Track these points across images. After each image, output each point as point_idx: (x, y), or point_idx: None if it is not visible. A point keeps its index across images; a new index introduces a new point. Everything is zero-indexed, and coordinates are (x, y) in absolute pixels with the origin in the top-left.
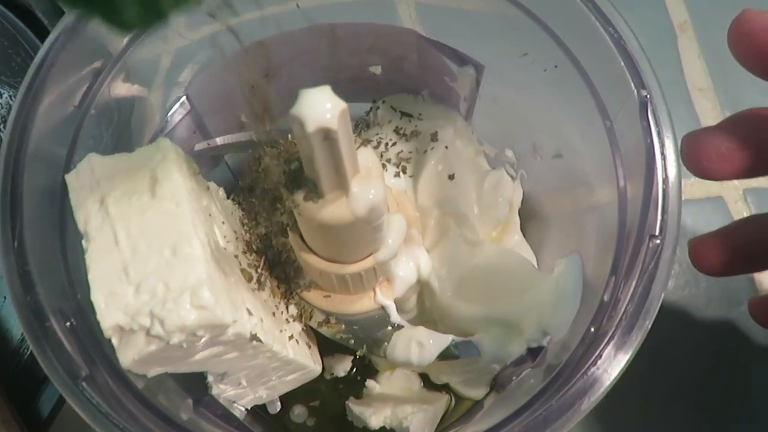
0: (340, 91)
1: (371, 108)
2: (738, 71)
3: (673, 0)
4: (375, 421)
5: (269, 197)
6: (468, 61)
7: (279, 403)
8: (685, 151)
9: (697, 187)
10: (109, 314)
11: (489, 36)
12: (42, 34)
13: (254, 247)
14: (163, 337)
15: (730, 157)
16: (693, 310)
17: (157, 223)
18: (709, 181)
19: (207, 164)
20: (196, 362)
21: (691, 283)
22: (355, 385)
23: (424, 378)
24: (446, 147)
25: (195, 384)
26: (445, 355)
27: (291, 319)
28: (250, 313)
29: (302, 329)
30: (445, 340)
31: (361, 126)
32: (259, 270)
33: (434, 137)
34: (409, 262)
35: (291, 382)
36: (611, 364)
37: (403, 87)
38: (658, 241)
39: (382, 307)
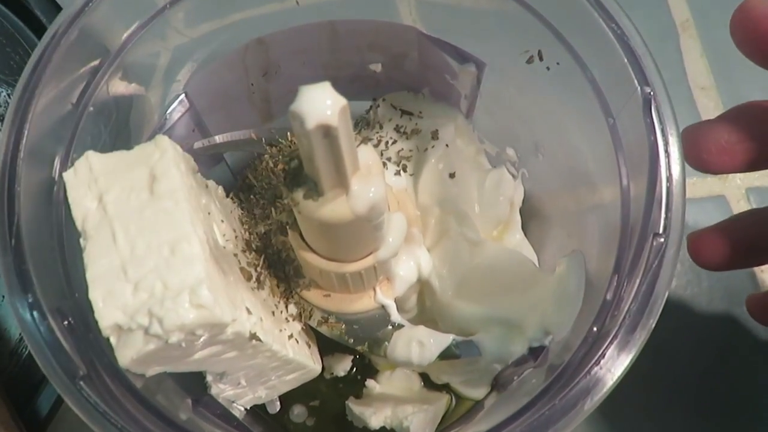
0: (340, 89)
1: (371, 106)
2: (741, 70)
3: None
4: (375, 421)
5: (269, 195)
6: (469, 58)
7: (278, 403)
8: (685, 145)
9: (699, 186)
10: (107, 313)
11: (490, 33)
12: (40, 31)
13: (253, 245)
14: (162, 336)
15: (731, 150)
16: (695, 309)
17: (155, 221)
18: (711, 177)
19: (206, 163)
20: (195, 361)
21: (693, 282)
22: (355, 384)
23: (425, 378)
24: (447, 145)
25: (194, 383)
26: (446, 355)
27: (290, 319)
28: (249, 312)
29: (302, 328)
30: (445, 339)
31: (361, 124)
32: (258, 269)
33: (435, 135)
34: (409, 261)
35: (290, 381)
36: (614, 364)
37: (404, 85)
38: (662, 240)
39: (383, 307)
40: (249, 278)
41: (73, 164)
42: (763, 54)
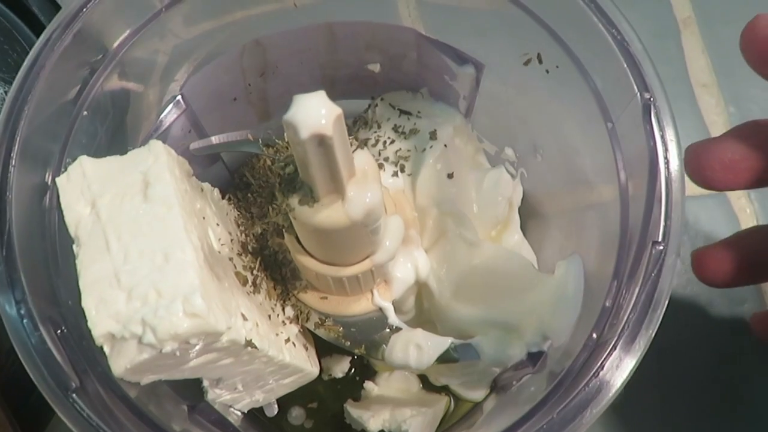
0: (338, 89)
1: (369, 105)
2: (742, 67)
3: None
4: (373, 425)
5: (266, 193)
6: (468, 60)
7: (276, 406)
8: (689, 162)
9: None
10: (100, 321)
11: (489, 35)
12: (37, 28)
13: (249, 248)
14: (156, 345)
15: (735, 168)
16: (695, 310)
17: (149, 227)
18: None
19: (203, 163)
20: (190, 369)
21: (693, 281)
22: (353, 386)
23: (423, 379)
24: (445, 145)
25: (190, 389)
26: (444, 359)
27: (287, 321)
28: (245, 318)
29: (299, 331)
30: (443, 342)
31: (359, 123)
32: (254, 272)
33: (433, 135)
34: (407, 263)
35: (288, 384)
36: (615, 374)
37: (402, 84)
38: (661, 248)
39: (380, 309)
40: (245, 283)
41: (66, 169)
42: None
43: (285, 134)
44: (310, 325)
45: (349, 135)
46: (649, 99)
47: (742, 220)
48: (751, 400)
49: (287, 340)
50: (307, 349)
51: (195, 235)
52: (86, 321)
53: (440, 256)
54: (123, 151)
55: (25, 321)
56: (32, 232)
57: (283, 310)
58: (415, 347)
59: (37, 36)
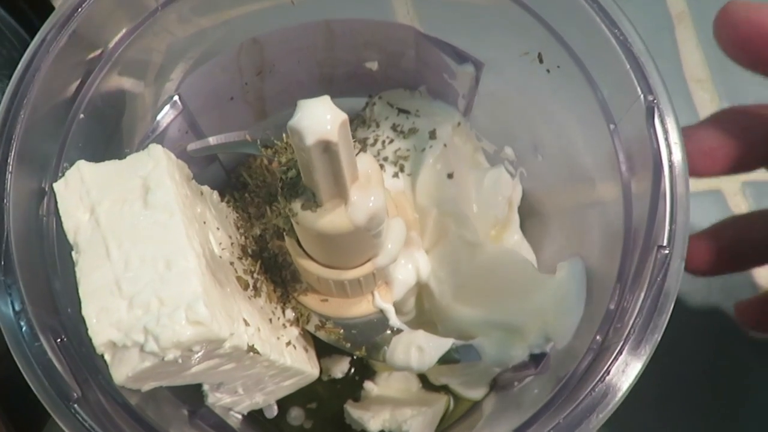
0: (336, 87)
1: (367, 103)
2: None
3: None
4: (374, 425)
5: (263, 193)
6: (467, 58)
7: (276, 408)
8: None
9: (694, 182)
10: (101, 330)
11: (489, 33)
12: (27, 24)
13: (249, 251)
14: (158, 353)
15: (712, 155)
16: (692, 305)
17: (150, 234)
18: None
19: (200, 163)
20: (191, 375)
21: (690, 277)
22: (352, 386)
23: (423, 378)
24: (445, 145)
25: (190, 394)
26: (446, 360)
27: (288, 324)
28: (246, 324)
29: (299, 333)
30: (445, 344)
31: (356, 122)
32: (254, 275)
33: (432, 135)
34: (408, 264)
35: (288, 387)
36: (621, 379)
37: (400, 83)
38: (667, 252)
39: (381, 311)
40: (246, 287)
41: (64, 171)
42: (748, 59)
43: (284, 135)
44: (311, 328)
45: None
46: (653, 101)
47: None
48: (748, 396)
49: (288, 343)
50: (307, 351)
51: (197, 241)
52: (86, 329)
53: (441, 257)
54: (119, 154)
55: (24, 331)
56: (30, 239)
57: (284, 312)
58: (416, 349)
59: (27, 31)
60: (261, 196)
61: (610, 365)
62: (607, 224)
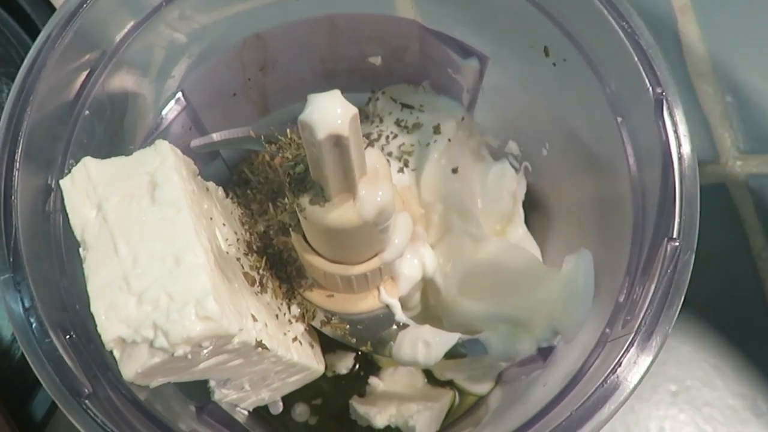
0: (338, 82)
1: (370, 98)
2: (740, 55)
3: None
4: (380, 421)
5: (266, 190)
6: (472, 52)
7: (281, 404)
8: None
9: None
10: (110, 326)
11: (494, 27)
12: (25, 22)
13: (254, 247)
14: (168, 349)
15: None
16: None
17: (158, 230)
18: (710, 165)
19: (203, 159)
20: (199, 371)
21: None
22: (357, 382)
23: (428, 374)
24: (449, 140)
25: (197, 390)
26: (452, 354)
27: (293, 320)
28: (254, 319)
29: (305, 329)
30: (451, 338)
31: (360, 118)
32: (260, 271)
33: (437, 130)
34: (413, 259)
35: (294, 382)
36: (632, 371)
37: (404, 77)
38: (677, 244)
39: (387, 306)
40: (253, 283)
41: (70, 167)
42: None
43: (288, 131)
44: (316, 323)
45: None
46: (662, 93)
47: (741, 210)
48: (748, 394)
49: (294, 339)
50: (313, 347)
51: (204, 237)
52: (95, 326)
53: (446, 251)
54: (123, 151)
55: (35, 328)
56: (38, 236)
57: (289, 308)
58: (423, 344)
59: (24, 28)
60: (263, 193)
61: (621, 357)
62: (614, 217)
